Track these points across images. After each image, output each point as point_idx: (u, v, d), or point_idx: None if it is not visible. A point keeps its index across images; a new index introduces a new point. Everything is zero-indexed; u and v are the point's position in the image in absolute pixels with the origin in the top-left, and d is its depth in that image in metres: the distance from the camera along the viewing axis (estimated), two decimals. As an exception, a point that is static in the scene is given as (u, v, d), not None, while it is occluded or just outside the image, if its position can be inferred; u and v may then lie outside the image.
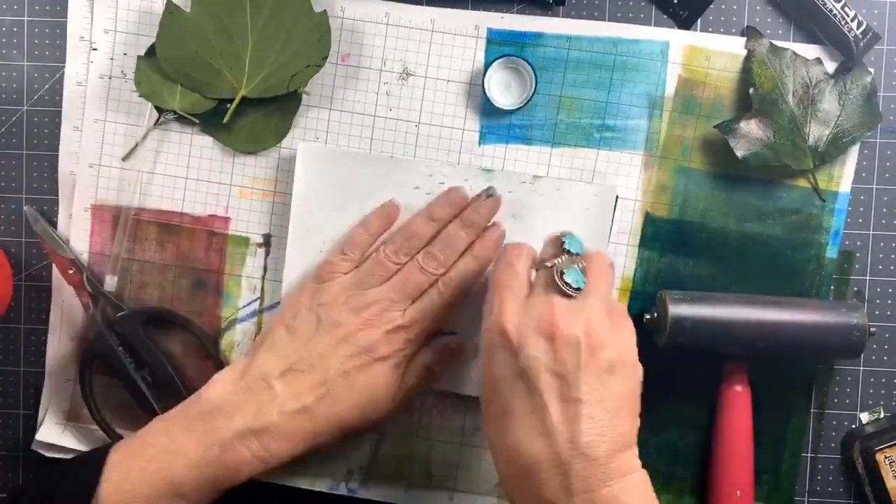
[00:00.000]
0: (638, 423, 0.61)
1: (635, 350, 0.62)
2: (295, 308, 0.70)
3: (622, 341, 0.61)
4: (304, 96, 0.73)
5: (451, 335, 0.72)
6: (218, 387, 0.68)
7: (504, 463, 0.60)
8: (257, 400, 0.67)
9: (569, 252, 0.63)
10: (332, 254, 0.72)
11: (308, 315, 0.69)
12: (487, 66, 0.73)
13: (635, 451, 0.60)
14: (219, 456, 0.65)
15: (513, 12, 0.74)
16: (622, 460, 0.58)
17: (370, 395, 0.68)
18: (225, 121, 0.73)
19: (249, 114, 0.74)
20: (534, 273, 0.64)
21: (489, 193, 0.71)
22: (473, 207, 0.71)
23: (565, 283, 0.61)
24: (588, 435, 0.57)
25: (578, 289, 0.61)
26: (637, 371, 0.62)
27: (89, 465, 0.66)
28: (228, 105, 0.73)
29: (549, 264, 0.63)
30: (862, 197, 0.74)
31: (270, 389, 0.67)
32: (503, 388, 0.60)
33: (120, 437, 0.72)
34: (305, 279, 0.72)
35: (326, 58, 0.72)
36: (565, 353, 0.59)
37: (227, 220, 0.75)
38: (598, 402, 0.58)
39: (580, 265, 0.63)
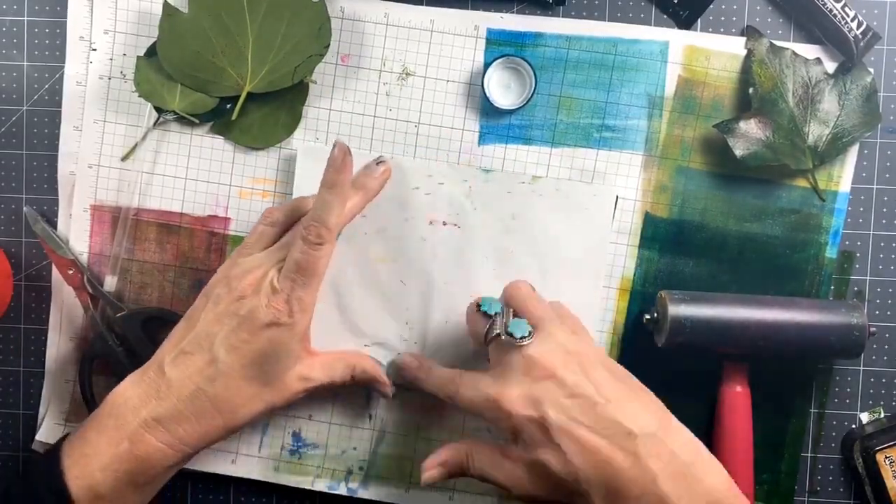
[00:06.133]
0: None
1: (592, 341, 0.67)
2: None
3: (589, 340, 0.66)
4: (311, 86, 0.73)
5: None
6: (124, 384, 0.67)
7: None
8: (156, 388, 0.66)
9: (496, 315, 0.66)
10: None
11: (200, 301, 0.69)
12: (487, 66, 0.73)
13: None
14: (129, 449, 0.65)
15: (512, 12, 0.74)
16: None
17: (266, 366, 0.67)
18: (233, 118, 0.73)
19: (258, 110, 0.74)
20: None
21: (379, 160, 0.72)
22: (365, 172, 0.72)
23: (520, 338, 0.64)
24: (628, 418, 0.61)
25: (531, 332, 0.64)
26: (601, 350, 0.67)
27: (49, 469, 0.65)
28: (230, 104, 0.73)
29: (495, 333, 0.65)
30: (862, 197, 0.74)
31: (164, 376, 0.66)
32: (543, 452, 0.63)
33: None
34: None
35: (328, 47, 0.72)
36: (572, 378, 0.62)
37: (226, 220, 0.75)
38: (616, 399, 0.62)
39: (510, 315, 0.66)
